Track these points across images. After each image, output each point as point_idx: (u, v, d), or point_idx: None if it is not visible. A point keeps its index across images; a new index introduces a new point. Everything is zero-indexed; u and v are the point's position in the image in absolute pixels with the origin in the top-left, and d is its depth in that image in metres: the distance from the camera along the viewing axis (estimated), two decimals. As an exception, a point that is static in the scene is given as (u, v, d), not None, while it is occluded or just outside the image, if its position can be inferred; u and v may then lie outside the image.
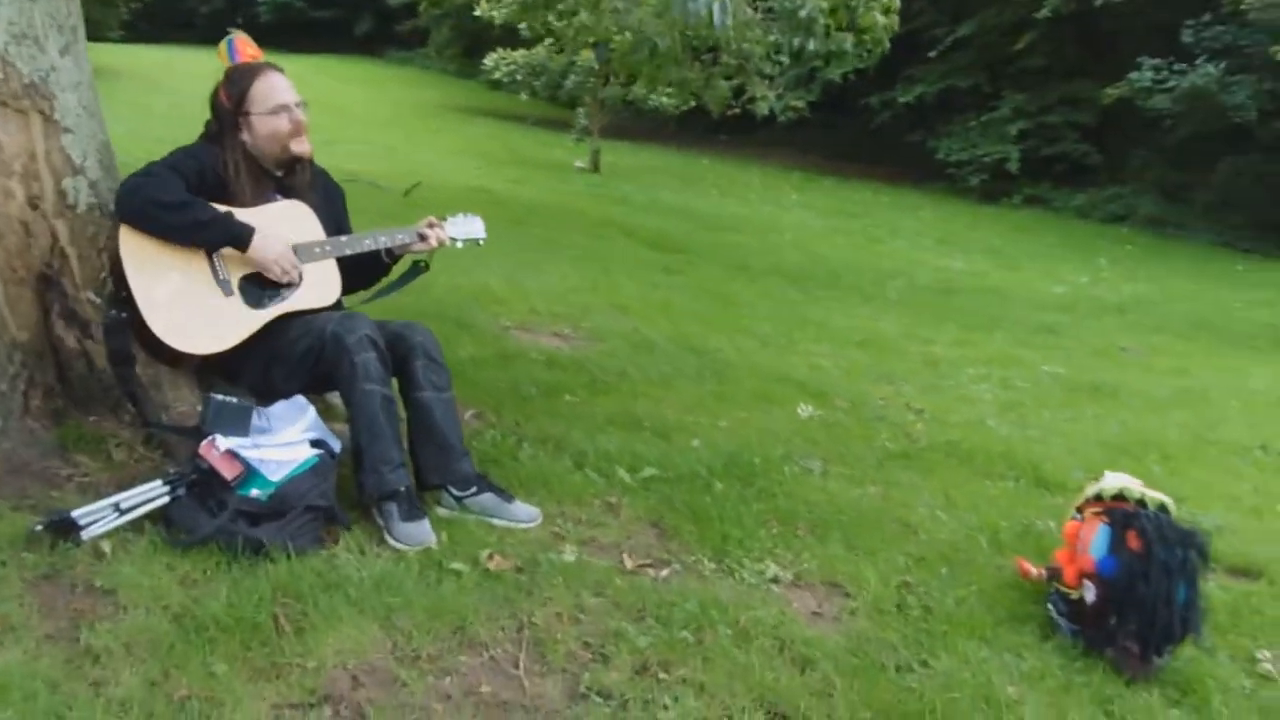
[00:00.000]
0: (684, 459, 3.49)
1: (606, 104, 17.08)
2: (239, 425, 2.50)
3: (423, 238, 2.97)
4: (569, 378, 4.35)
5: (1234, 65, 14.92)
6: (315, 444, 2.58)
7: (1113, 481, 2.85)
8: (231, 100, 2.75)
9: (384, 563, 2.42)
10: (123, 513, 2.35)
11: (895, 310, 8.09)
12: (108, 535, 2.31)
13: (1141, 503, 2.67)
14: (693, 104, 16.77)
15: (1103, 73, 17.70)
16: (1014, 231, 15.67)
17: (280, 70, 2.82)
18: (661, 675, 2.16)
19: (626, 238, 9.84)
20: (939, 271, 10.86)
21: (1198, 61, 15.17)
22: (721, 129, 22.78)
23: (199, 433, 2.56)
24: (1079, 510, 2.92)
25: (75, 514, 2.29)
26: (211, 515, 2.36)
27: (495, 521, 2.75)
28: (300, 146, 2.80)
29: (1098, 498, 2.75)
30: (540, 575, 2.49)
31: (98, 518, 2.32)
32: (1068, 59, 19.35)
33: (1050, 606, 2.74)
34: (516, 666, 2.12)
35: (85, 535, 2.29)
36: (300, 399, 2.67)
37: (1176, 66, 15.41)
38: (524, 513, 2.80)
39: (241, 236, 2.59)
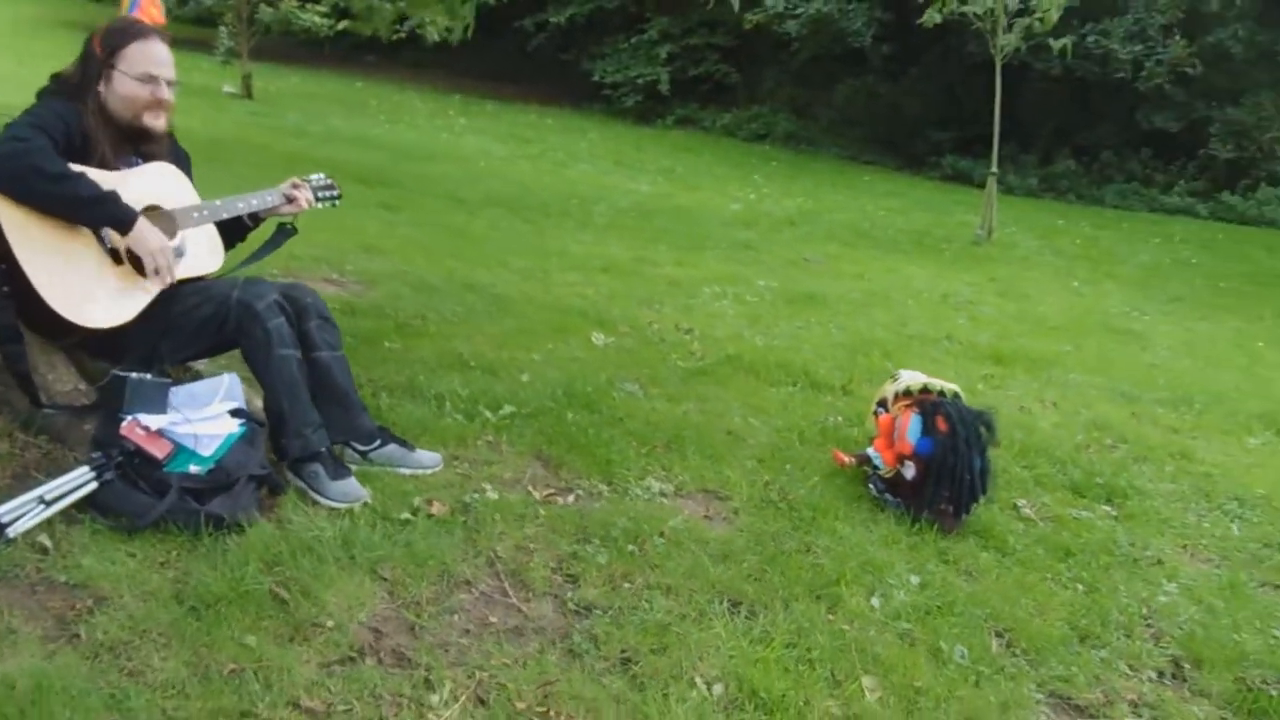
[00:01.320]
0: (530, 393, 3.73)
1: (257, 23, 15.90)
2: (157, 403, 2.42)
3: (289, 199, 2.93)
4: (376, 324, 4.38)
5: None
6: (234, 414, 2.55)
7: (911, 378, 3.50)
8: (104, 50, 2.55)
9: (337, 522, 2.49)
10: (48, 504, 2.24)
11: (611, 235, 8.58)
12: (37, 529, 2.20)
13: (941, 393, 3.33)
14: (346, 24, 16.11)
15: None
16: (678, 151, 16.74)
17: (166, 41, 2.64)
18: (628, 585, 2.47)
19: (331, 174, 9.46)
20: (630, 194, 11.50)
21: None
22: (369, 49, 21.98)
23: (97, 412, 2.46)
24: (881, 405, 3.56)
25: (-5, 512, 2.16)
26: (152, 496, 2.30)
27: (402, 471, 2.87)
28: (155, 121, 2.64)
29: (906, 393, 3.38)
30: (477, 515, 2.68)
31: (21, 512, 2.20)
32: (705, -17, 20.69)
33: (871, 487, 3.36)
34: (508, 596, 2.34)
35: (11, 532, 2.17)
36: (225, 375, 2.60)
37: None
38: (428, 459, 2.94)
39: (124, 220, 2.44)
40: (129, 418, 2.36)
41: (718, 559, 2.67)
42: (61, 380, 2.53)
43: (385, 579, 2.29)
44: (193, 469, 2.37)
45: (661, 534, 2.74)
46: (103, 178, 2.45)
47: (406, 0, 13.55)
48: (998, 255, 10.30)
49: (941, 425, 3.21)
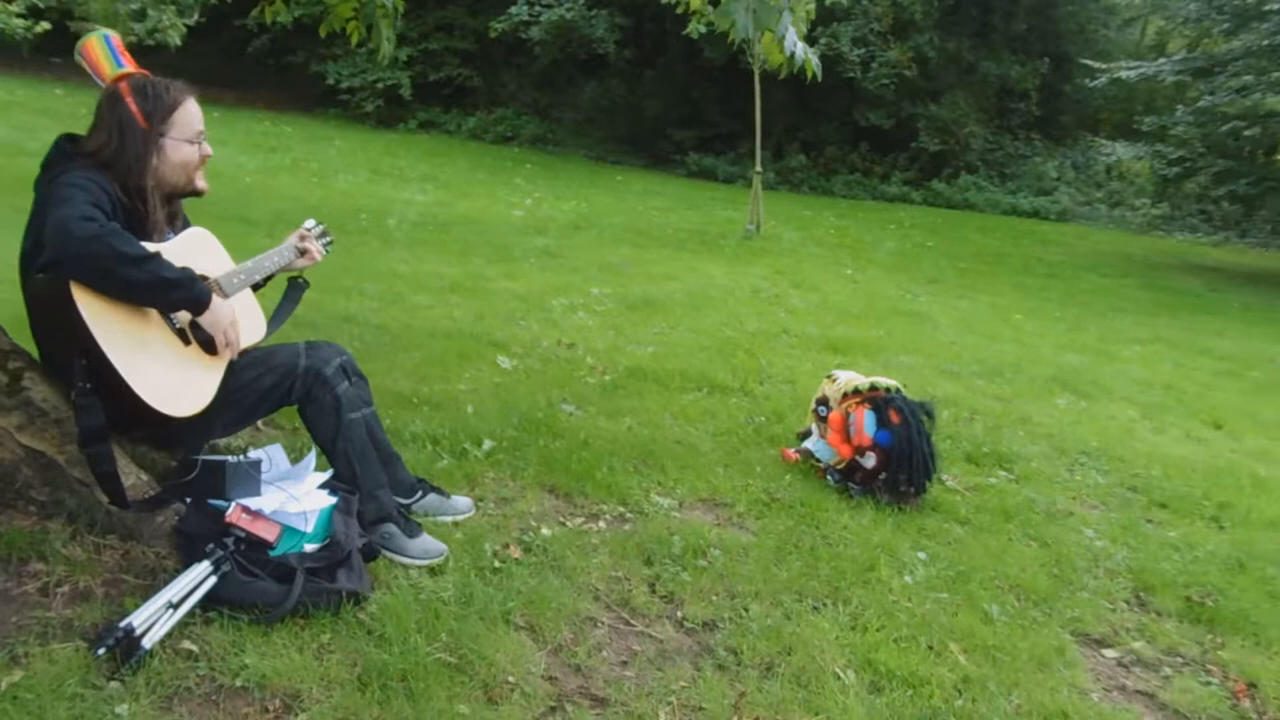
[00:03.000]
0: (491, 425, 3.80)
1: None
2: (254, 484, 2.34)
3: (302, 253, 2.86)
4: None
5: (592, 0, 17.34)
6: (321, 486, 2.50)
7: (850, 377, 3.93)
8: (149, 120, 2.37)
9: (441, 579, 2.52)
10: (175, 607, 2.13)
11: (422, 250, 8.49)
12: (172, 635, 2.10)
13: (887, 389, 3.77)
14: (49, 26, 14.56)
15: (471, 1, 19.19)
16: (431, 157, 16.54)
17: (193, 94, 2.50)
18: (717, 597, 2.69)
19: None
20: (411, 205, 11.32)
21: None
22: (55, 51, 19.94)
23: (166, 503, 2.34)
24: (822, 404, 3.96)
25: (129, 624, 2.04)
26: (270, 581, 2.24)
27: (444, 518, 2.91)
28: (202, 182, 2.53)
29: (856, 391, 3.79)
30: (550, 553, 2.79)
31: (153, 620, 2.09)
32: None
33: (830, 479, 3.74)
34: (631, 624, 2.49)
35: (147, 642, 2.06)
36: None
37: (545, 1, 17.41)
38: (463, 504, 2.99)
39: (204, 300, 2.32)
40: (233, 504, 2.27)
41: (768, 562, 2.94)
42: (124, 474, 2.37)
43: (523, 627, 2.37)
44: (307, 547, 2.32)
45: (715, 547, 2.97)
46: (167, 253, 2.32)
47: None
48: (771, 248, 11.15)
49: (894, 417, 3.65)
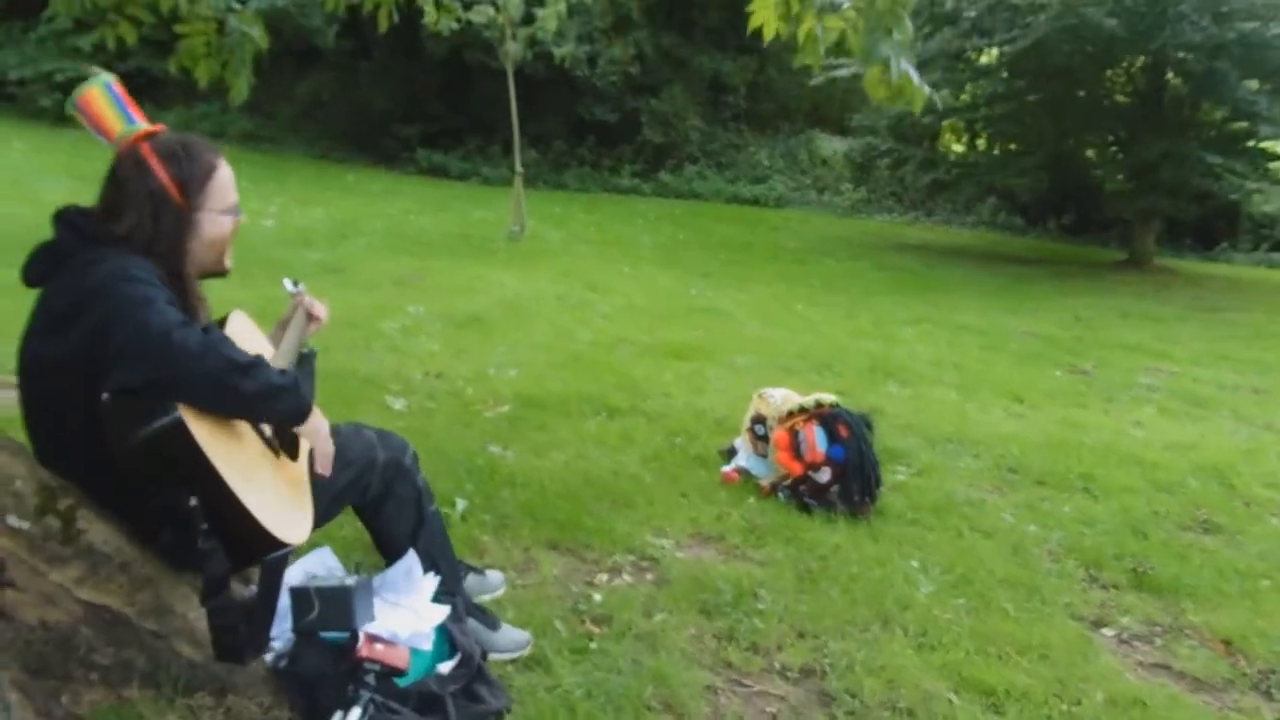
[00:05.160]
0: (446, 482, 3.57)
1: None
2: (367, 606, 2.07)
3: (311, 318, 2.55)
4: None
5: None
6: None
7: (786, 395, 4.08)
8: (183, 193, 1.99)
9: (543, 673, 2.38)
10: (331, 765, 1.87)
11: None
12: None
13: (833, 405, 3.95)
14: None
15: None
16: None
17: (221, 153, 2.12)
18: (793, 639, 2.73)
19: None
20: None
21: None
22: None
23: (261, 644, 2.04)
24: (758, 423, 4.09)
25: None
26: (422, 714, 2.01)
27: (482, 598, 2.74)
28: (229, 259, 2.18)
29: (801, 409, 3.94)
30: (615, 621, 2.70)
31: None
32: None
33: (782, 496, 3.88)
34: (746, 684, 2.49)
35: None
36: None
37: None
38: (496, 579, 2.83)
39: (305, 406, 2.00)
40: (360, 634, 2.00)
41: (803, 594, 3.01)
42: (192, 608, 2.02)
43: (661, 709, 2.30)
44: (441, 667, 2.10)
45: (761, 587, 3.01)
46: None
47: None
48: (542, 249, 11.13)
49: (844, 432, 3.85)
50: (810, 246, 13.76)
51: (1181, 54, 11.56)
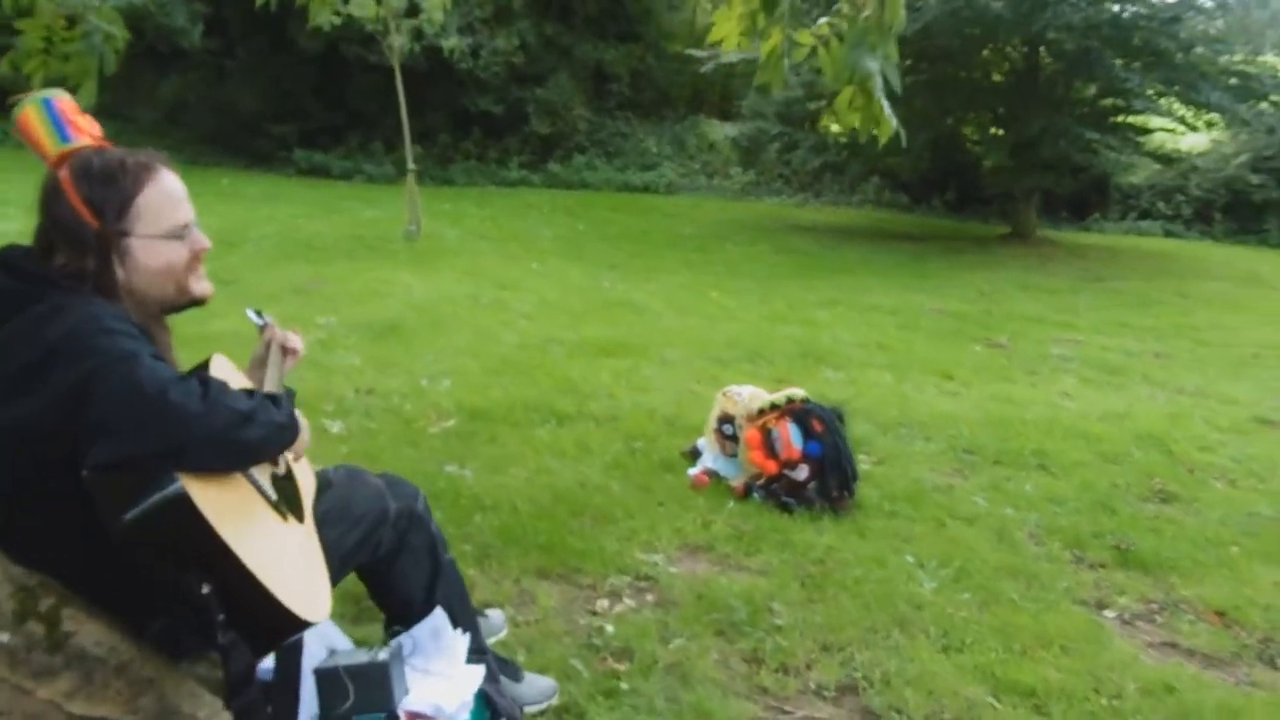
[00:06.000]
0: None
1: None
2: (401, 679, 1.85)
3: (289, 351, 2.29)
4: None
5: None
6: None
7: (752, 393, 3.97)
8: (99, 217, 1.66)
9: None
10: None
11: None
12: None
13: (804, 400, 3.85)
14: None
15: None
16: (-18, 172, 13.79)
17: (169, 164, 1.82)
18: (820, 655, 2.62)
19: None
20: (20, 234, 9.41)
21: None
22: None
23: None
24: (726, 423, 3.97)
25: None
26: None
27: (489, 642, 2.54)
28: (201, 285, 1.87)
29: (774, 406, 3.83)
30: (635, 655, 2.56)
31: None
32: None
33: (758, 496, 3.77)
34: (788, 710, 2.36)
35: None
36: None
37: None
38: (498, 619, 2.65)
39: (297, 425, 1.78)
40: (400, 713, 1.77)
41: (814, 604, 2.91)
42: (201, 706, 1.76)
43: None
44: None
45: (772, 599, 2.89)
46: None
47: None
48: (442, 249, 10.77)
49: (818, 427, 3.76)
50: (707, 232, 13.74)
51: (1054, 34, 11.96)
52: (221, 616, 1.55)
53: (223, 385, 1.62)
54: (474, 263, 9.90)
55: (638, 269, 10.38)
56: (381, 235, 11.24)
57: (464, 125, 17.83)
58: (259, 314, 2.38)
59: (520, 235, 12.11)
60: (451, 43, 11.12)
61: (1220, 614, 3.05)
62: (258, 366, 2.19)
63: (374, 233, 11.36)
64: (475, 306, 7.70)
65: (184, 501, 1.48)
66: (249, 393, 1.68)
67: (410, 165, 11.42)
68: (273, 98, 16.92)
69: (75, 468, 1.53)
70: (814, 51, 2.99)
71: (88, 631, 1.63)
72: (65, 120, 1.82)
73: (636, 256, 11.28)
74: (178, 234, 1.78)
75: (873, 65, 2.64)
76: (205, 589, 1.54)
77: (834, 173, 17.82)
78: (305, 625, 1.64)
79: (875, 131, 2.85)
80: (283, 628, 1.63)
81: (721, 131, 18.89)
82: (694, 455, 4.16)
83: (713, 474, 3.96)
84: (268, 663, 2.00)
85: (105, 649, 1.63)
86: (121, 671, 1.64)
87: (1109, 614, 3.04)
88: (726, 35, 2.93)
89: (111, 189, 1.69)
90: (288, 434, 1.71)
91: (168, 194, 1.77)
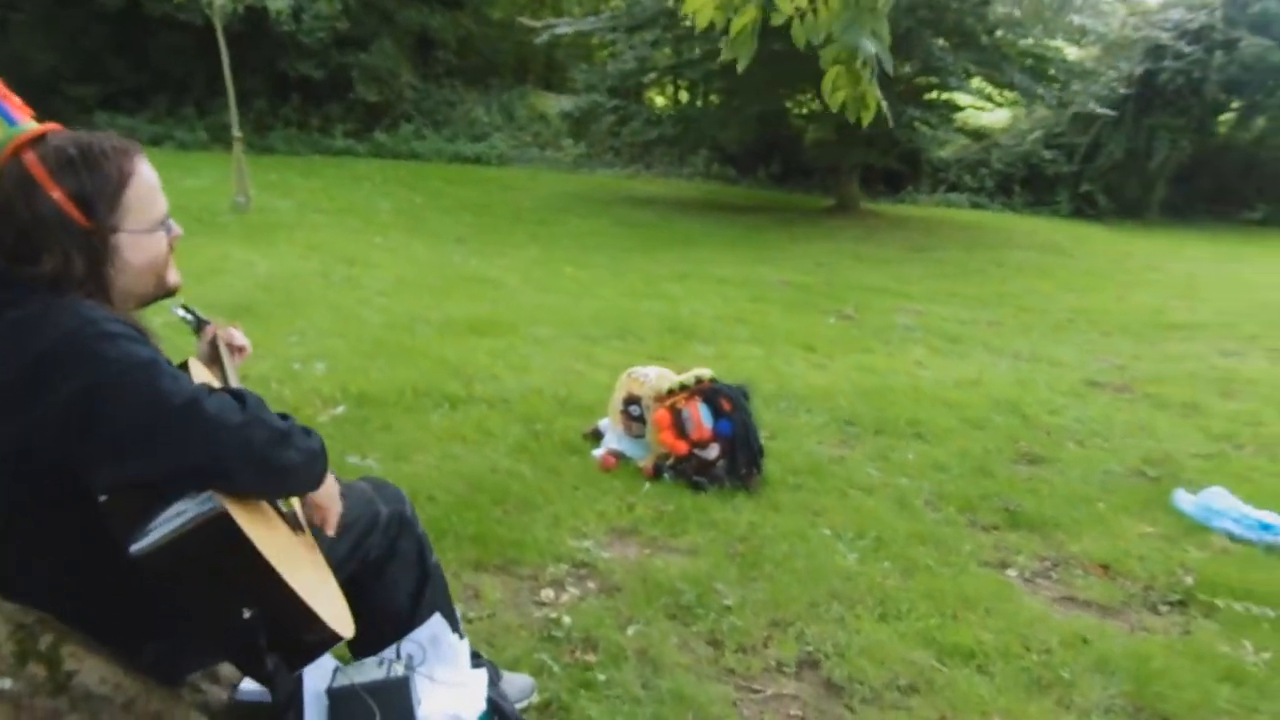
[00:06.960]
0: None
1: None
2: (414, 689, 1.78)
3: (234, 350, 2.14)
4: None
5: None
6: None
7: (659, 373, 4.00)
8: (92, 210, 1.51)
9: (557, 715, 2.19)
10: None
11: None
12: None
13: (712, 380, 3.91)
14: None
15: None
16: None
17: (140, 148, 1.64)
18: (772, 632, 2.70)
19: None
20: None
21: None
22: None
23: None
24: (632, 404, 4.00)
25: None
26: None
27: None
28: (174, 276, 1.72)
29: (683, 387, 3.87)
30: (604, 647, 2.55)
31: None
32: None
33: (668, 477, 3.82)
34: (758, 688, 2.43)
35: None
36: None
37: None
38: (527, 683, 2.57)
39: (327, 457, 1.67)
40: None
41: (752, 581, 2.98)
42: None
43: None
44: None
45: (719, 581, 2.94)
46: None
47: None
48: (277, 221, 10.25)
49: (726, 406, 3.84)
50: (547, 205, 13.64)
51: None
52: (262, 642, 1.45)
53: (259, 399, 1.52)
54: (313, 237, 9.47)
55: (485, 243, 10.21)
56: (206, 207, 10.55)
57: (282, 90, 16.92)
58: (189, 310, 2.22)
59: (357, 208, 11.66)
60: (279, 4, 10.50)
61: (1105, 567, 3.34)
62: (208, 367, 2.05)
63: (198, 204, 10.63)
64: (327, 284, 7.38)
65: (224, 521, 1.38)
66: (282, 415, 1.57)
67: (236, 132, 10.80)
68: (70, 55, 15.49)
69: (71, 489, 1.42)
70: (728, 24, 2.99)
71: (90, 668, 1.50)
72: (6, 102, 1.64)
73: (480, 230, 11.08)
74: (161, 226, 1.65)
75: (871, 48, 2.68)
76: (247, 613, 1.44)
77: (665, 145, 18.03)
78: (338, 640, 1.56)
79: (862, 113, 2.90)
80: (316, 645, 1.55)
81: (554, 104, 18.75)
82: (596, 436, 4.17)
83: (619, 455, 3.98)
84: (248, 684, 1.90)
85: (110, 686, 1.51)
86: (129, 709, 1.53)
87: (1012, 573, 3.27)
88: (700, 8, 2.89)
89: (99, 182, 1.54)
90: (318, 464, 1.62)
91: (149, 183, 1.64)
